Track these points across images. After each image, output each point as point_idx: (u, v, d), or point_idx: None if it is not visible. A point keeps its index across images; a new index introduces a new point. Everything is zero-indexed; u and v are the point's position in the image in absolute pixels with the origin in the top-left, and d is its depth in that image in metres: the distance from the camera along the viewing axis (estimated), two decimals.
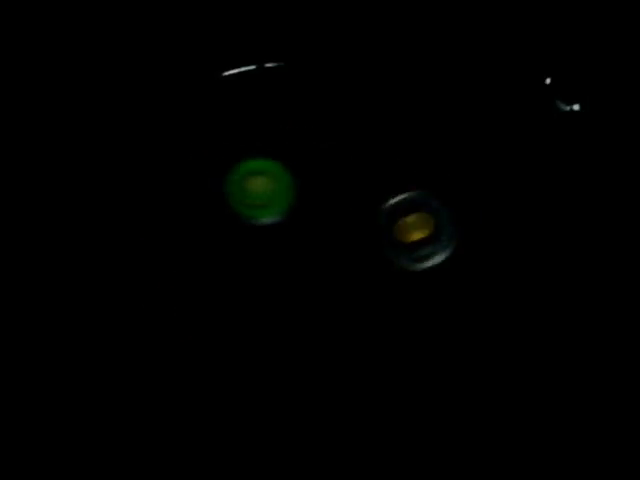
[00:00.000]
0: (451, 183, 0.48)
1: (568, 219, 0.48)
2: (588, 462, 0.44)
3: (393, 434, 0.45)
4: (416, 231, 0.47)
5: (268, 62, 0.51)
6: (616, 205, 0.48)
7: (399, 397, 0.45)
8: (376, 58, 0.51)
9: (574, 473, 0.44)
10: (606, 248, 0.47)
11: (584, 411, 0.45)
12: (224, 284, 0.47)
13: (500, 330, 0.46)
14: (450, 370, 0.45)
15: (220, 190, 0.48)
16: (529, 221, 0.48)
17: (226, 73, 0.51)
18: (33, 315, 0.46)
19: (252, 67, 0.51)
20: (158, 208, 0.48)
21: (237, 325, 0.46)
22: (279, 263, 0.47)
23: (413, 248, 0.47)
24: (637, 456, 0.44)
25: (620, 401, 0.45)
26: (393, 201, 0.47)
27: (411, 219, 0.47)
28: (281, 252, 0.47)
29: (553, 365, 0.46)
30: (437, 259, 0.47)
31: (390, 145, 0.50)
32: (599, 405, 0.45)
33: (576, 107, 0.50)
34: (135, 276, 0.47)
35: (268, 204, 0.48)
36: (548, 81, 0.50)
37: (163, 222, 0.48)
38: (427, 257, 0.47)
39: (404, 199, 0.47)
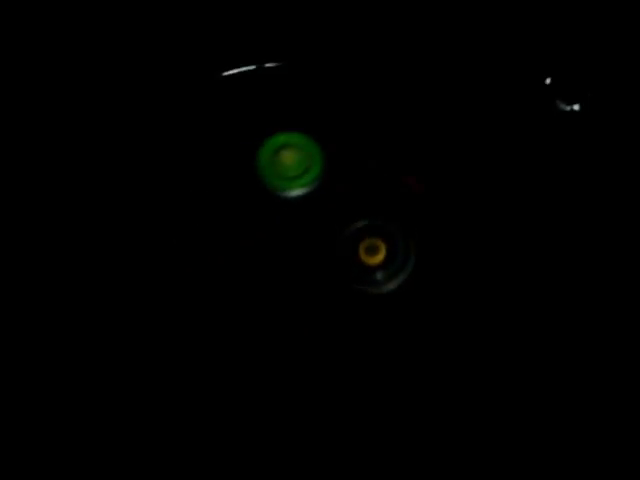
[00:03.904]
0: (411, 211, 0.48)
1: (568, 219, 0.48)
2: (588, 462, 0.44)
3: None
4: (375, 255, 0.47)
5: (268, 62, 0.51)
6: (616, 205, 0.48)
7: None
8: (376, 58, 0.51)
9: (574, 473, 0.44)
10: (606, 248, 0.47)
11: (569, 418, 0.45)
12: (253, 255, 0.48)
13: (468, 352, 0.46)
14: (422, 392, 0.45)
15: (252, 164, 0.49)
16: (528, 220, 0.48)
17: (226, 73, 0.51)
18: (33, 315, 0.47)
19: (252, 67, 0.51)
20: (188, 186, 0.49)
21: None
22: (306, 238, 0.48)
23: (372, 271, 0.47)
24: (637, 456, 0.44)
25: (617, 402, 0.45)
26: (356, 226, 0.48)
27: (371, 242, 0.48)
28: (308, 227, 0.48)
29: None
30: (393, 284, 0.47)
31: (388, 145, 0.50)
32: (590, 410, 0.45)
33: (576, 107, 0.50)
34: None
35: (298, 176, 0.49)
36: (548, 81, 0.50)
37: (195, 198, 0.49)
38: (383, 281, 0.47)
39: (366, 225, 0.48)
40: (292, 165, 0.49)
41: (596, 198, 0.48)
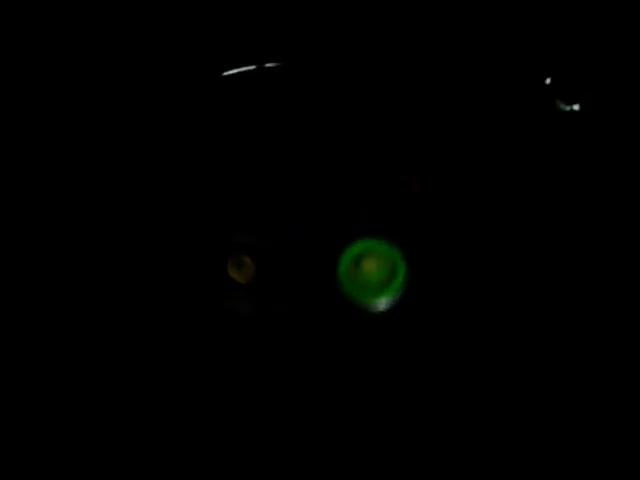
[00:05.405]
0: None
1: (568, 218, 0.48)
2: (588, 462, 0.44)
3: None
4: (240, 271, 0.47)
5: (268, 62, 0.51)
6: (616, 205, 0.48)
7: None
8: (376, 58, 0.51)
9: (574, 473, 0.44)
10: (606, 248, 0.47)
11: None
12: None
13: None
14: None
15: (332, 273, 0.47)
16: (528, 220, 0.48)
17: (226, 73, 0.51)
18: (33, 315, 0.47)
19: (252, 67, 0.51)
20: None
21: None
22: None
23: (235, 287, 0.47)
24: (637, 456, 0.44)
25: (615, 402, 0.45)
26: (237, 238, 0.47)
27: (240, 259, 0.47)
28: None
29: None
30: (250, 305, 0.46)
31: (388, 146, 0.50)
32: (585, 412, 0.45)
33: (576, 107, 0.50)
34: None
35: (383, 287, 0.46)
36: (548, 81, 0.50)
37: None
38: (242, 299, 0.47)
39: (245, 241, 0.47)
40: (374, 275, 0.46)
41: (596, 198, 0.48)
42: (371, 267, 0.46)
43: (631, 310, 0.46)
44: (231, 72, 0.51)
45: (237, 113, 0.51)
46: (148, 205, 0.49)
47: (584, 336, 0.46)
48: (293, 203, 0.49)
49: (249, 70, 0.51)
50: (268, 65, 0.51)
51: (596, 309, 0.46)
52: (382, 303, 0.46)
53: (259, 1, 0.51)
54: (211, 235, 0.47)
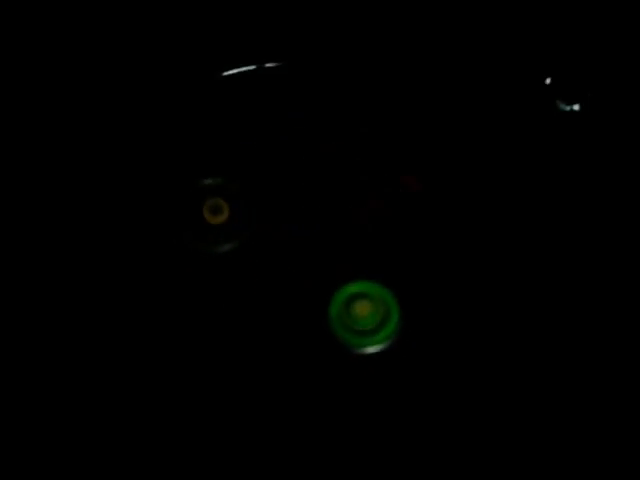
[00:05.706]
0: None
1: (568, 218, 0.48)
2: (588, 462, 0.44)
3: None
4: (217, 215, 0.48)
5: (268, 62, 0.51)
6: (616, 205, 0.48)
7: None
8: (376, 58, 0.51)
9: (574, 473, 0.44)
10: (606, 247, 0.47)
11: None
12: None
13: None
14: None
15: (323, 314, 0.46)
16: (528, 220, 0.48)
17: (226, 73, 0.51)
18: (33, 315, 0.47)
19: (252, 67, 0.51)
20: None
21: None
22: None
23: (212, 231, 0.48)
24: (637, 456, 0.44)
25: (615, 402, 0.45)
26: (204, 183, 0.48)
27: (216, 202, 0.48)
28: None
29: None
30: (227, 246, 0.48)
31: (388, 146, 0.50)
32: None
33: (576, 107, 0.50)
34: None
35: (374, 331, 0.46)
36: (548, 81, 0.50)
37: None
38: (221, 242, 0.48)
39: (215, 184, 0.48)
40: (366, 318, 0.46)
41: (596, 198, 0.48)
42: (363, 312, 0.46)
43: (632, 316, 0.46)
44: (231, 72, 0.51)
45: (237, 113, 0.51)
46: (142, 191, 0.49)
47: (588, 368, 0.45)
48: (293, 203, 0.49)
49: (249, 70, 0.51)
50: (268, 65, 0.51)
51: (599, 320, 0.46)
52: (373, 348, 0.46)
53: (259, 1, 0.51)
54: (187, 180, 0.49)
